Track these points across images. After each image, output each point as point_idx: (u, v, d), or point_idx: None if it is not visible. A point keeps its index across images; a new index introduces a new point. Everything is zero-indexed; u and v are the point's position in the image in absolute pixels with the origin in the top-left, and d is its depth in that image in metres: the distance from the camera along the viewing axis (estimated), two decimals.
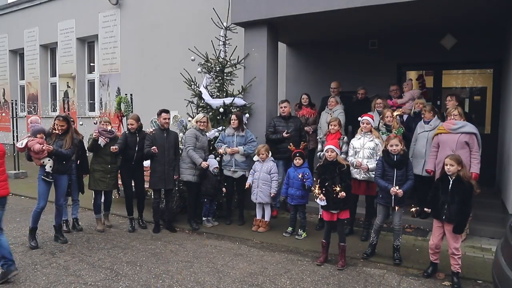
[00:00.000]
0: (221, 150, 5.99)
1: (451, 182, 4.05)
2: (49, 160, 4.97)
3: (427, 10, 5.91)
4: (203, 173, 5.82)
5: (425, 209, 4.24)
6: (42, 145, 4.84)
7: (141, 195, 6.04)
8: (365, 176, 5.09)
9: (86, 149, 5.81)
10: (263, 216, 5.85)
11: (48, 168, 4.97)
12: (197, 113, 6.39)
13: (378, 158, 4.80)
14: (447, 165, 4.05)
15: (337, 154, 4.56)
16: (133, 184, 5.98)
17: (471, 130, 5.08)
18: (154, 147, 5.54)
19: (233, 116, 6.03)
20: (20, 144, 4.95)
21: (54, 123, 5.07)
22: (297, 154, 5.50)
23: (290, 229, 5.63)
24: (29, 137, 5.01)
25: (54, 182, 5.10)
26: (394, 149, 4.46)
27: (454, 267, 4.06)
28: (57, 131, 5.03)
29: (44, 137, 5.00)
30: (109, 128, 5.77)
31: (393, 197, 4.42)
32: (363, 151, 5.13)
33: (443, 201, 4.05)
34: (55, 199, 5.23)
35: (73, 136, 5.19)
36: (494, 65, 7.30)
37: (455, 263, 4.05)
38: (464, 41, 7.16)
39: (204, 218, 6.05)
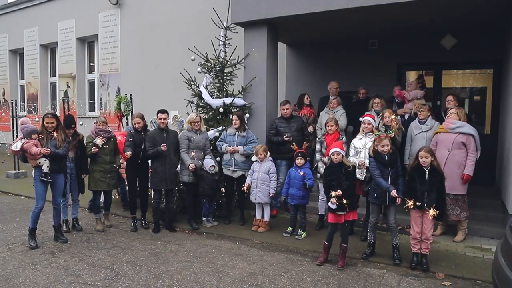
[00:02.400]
0: (229, 148, 5.96)
1: (427, 172, 4.33)
2: (45, 160, 4.93)
3: (427, 10, 5.91)
4: (197, 174, 5.81)
5: (416, 203, 4.27)
6: (40, 149, 4.80)
7: (144, 195, 6.03)
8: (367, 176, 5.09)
9: (87, 155, 5.73)
10: (262, 216, 5.85)
11: (45, 169, 4.95)
12: None
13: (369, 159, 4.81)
14: (422, 157, 4.35)
15: (342, 156, 4.57)
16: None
17: (468, 131, 5.11)
18: (163, 143, 5.54)
19: (235, 116, 6.03)
20: (15, 147, 4.89)
21: (43, 121, 5.01)
22: (299, 154, 5.50)
23: (290, 229, 5.62)
24: (22, 138, 4.96)
25: (51, 182, 5.08)
26: (385, 149, 4.52)
27: (424, 250, 4.43)
28: (49, 129, 4.97)
29: (37, 137, 4.97)
30: (106, 128, 5.77)
31: (387, 196, 4.46)
32: (365, 151, 5.14)
33: (423, 191, 4.29)
34: (53, 199, 5.21)
35: (64, 132, 5.15)
36: (494, 65, 7.30)
37: (425, 247, 4.42)
38: (464, 41, 7.16)
39: (204, 218, 6.05)
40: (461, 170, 5.10)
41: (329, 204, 4.43)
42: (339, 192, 4.30)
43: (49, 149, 4.86)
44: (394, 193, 4.36)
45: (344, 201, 4.31)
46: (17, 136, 9.84)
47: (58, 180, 5.16)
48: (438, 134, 5.30)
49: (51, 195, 5.20)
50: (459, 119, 5.21)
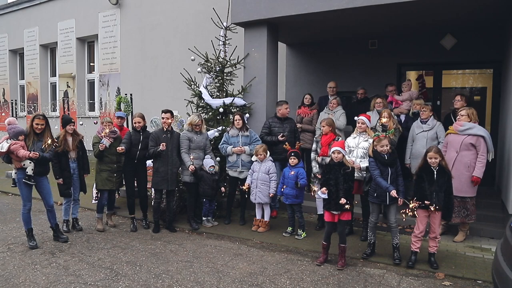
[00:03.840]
0: (235, 149, 5.96)
1: (435, 173, 4.34)
2: (30, 163, 4.88)
3: (427, 10, 5.91)
4: (197, 174, 5.80)
5: (425, 202, 4.27)
6: (28, 152, 4.77)
7: (143, 195, 6.04)
8: (357, 175, 5.09)
9: (94, 155, 5.76)
10: (262, 216, 5.85)
11: (29, 171, 4.89)
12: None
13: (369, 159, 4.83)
14: (431, 158, 4.35)
15: (343, 155, 4.58)
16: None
17: (478, 133, 5.01)
18: (163, 143, 5.54)
19: (237, 117, 6.02)
20: (1, 147, 4.82)
21: (33, 123, 4.94)
22: (292, 154, 5.52)
23: (289, 229, 5.62)
24: (7, 139, 4.89)
25: (36, 184, 5.03)
26: (385, 150, 4.53)
27: (432, 248, 4.48)
28: (37, 131, 4.94)
29: (24, 138, 4.92)
30: (112, 128, 5.78)
31: (387, 196, 4.47)
32: (357, 150, 5.16)
33: (432, 191, 4.32)
34: (44, 202, 5.18)
35: (51, 136, 5.10)
36: (494, 65, 7.30)
37: (433, 245, 4.47)
38: (464, 41, 7.16)
39: (204, 218, 6.05)
40: (470, 172, 5.02)
41: (319, 193, 4.50)
42: (324, 189, 4.47)
43: (37, 153, 4.81)
44: (393, 193, 4.38)
45: (347, 206, 4.34)
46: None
47: (43, 182, 5.10)
48: (448, 135, 5.26)
49: (42, 198, 5.18)
50: (470, 121, 5.12)
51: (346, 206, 4.36)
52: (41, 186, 5.10)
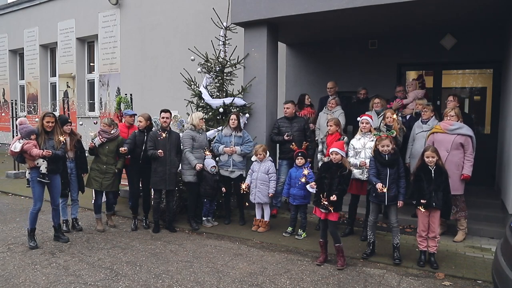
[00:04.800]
0: (227, 149, 6.01)
1: (433, 172, 4.37)
2: (43, 161, 4.91)
3: (427, 10, 5.92)
4: (200, 174, 5.82)
5: (421, 201, 4.33)
6: (41, 151, 4.79)
7: (146, 195, 6.03)
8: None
9: (88, 151, 5.79)
10: (262, 216, 5.85)
11: (43, 169, 4.92)
12: None
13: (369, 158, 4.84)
14: (428, 157, 4.39)
15: (342, 156, 4.56)
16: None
17: (467, 133, 5.15)
18: (160, 150, 5.54)
19: (234, 116, 6.03)
20: (14, 147, 4.84)
21: (43, 121, 4.96)
22: (299, 154, 5.50)
23: (290, 229, 5.62)
24: (20, 139, 4.92)
25: (49, 182, 5.06)
26: (385, 150, 4.53)
27: (432, 248, 4.47)
28: (48, 129, 4.96)
29: (36, 137, 4.95)
30: (108, 129, 5.75)
31: (386, 196, 4.46)
32: (365, 151, 5.14)
33: (430, 190, 4.33)
34: (52, 200, 5.20)
35: (61, 133, 5.12)
36: (494, 65, 7.30)
37: (433, 245, 4.47)
38: (464, 41, 7.16)
39: (204, 218, 6.05)
40: (460, 170, 5.14)
41: (308, 187, 4.48)
42: (313, 184, 4.51)
43: (50, 151, 4.85)
44: (379, 185, 4.38)
45: (325, 202, 4.38)
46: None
47: (56, 180, 5.15)
48: (434, 134, 5.28)
49: (50, 196, 5.19)
50: (458, 120, 5.23)
51: (329, 207, 4.37)
52: (53, 185, 5.14)
